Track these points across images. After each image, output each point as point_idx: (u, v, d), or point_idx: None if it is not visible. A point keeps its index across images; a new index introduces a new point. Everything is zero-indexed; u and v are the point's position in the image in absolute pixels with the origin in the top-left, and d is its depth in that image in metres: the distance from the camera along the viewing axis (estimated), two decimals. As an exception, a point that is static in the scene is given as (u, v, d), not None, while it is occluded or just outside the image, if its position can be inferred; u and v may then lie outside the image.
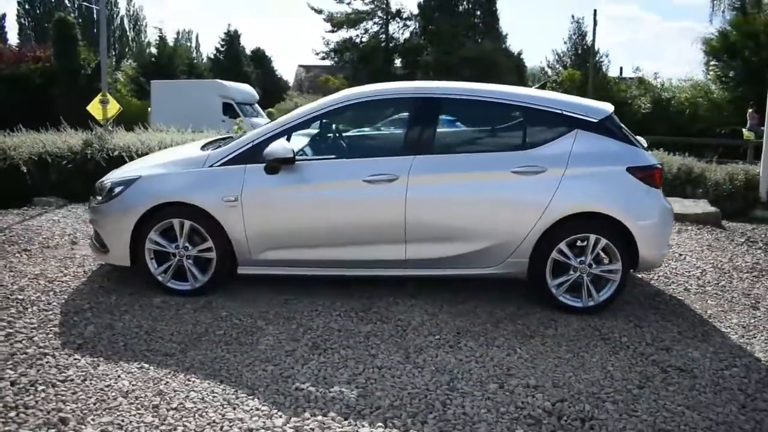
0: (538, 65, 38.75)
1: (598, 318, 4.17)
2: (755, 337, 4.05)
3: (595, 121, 4.19)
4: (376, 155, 4.18)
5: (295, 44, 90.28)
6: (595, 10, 28.55)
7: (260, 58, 38.48)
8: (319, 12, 35.43)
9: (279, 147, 3.98)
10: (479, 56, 30.74)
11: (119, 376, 3.13)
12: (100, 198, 4.34)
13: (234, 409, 2.88)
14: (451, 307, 4.23)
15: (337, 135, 4.45)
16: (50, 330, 3.65)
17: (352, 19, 34.70)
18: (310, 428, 2.76)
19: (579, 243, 4.14)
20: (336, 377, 3.23)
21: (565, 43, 32.79)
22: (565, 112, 4.20)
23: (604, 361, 3.58)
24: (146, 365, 3.29)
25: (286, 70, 79.51)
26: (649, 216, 4.15)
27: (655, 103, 26.66)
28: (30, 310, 3.93)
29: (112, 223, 4.25)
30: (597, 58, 30.00)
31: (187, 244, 4.17)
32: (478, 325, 3.98)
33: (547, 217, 4.05)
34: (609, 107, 4.32)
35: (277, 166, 4.04)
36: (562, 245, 4.10)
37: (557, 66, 32.58)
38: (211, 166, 4.18)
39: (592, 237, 4.08)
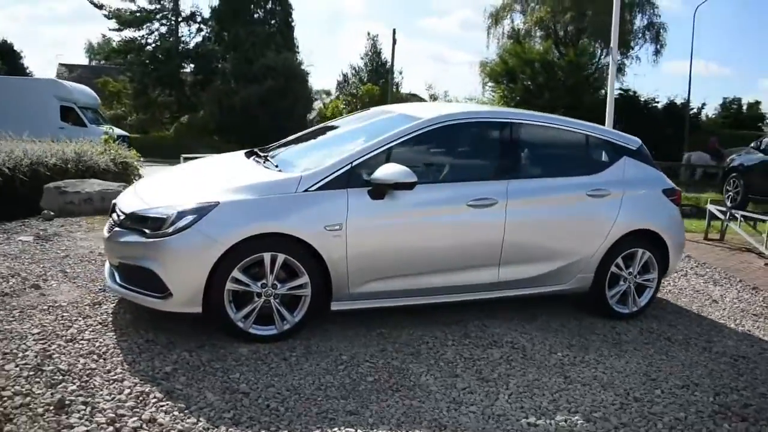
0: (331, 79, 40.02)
1: (639, 321, 4.70)
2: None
3: (635, 149, 4.72)
4: (472, 179, 4.09)
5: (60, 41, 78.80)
6: (394, 30, 30.30)
7: (7, 53, 33.18)
8: (100, 7, 31.61)
9: (397, 170, 3.66)
10: (282, 66, 30.64)
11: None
12: (150, 231, 3.47)
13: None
14: (530, 325, 4.35)
15: (432, 157, 4.22)
16: (178, 417, 2.82)
17: (138, 18, 31.63)
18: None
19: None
20: (545, 400, 3.20)
21: (361, 58, 34.42)
22: (615, 141, 4.67)
23: (686, 355, 4.09)
24: (350, 429, 2.79)
25: (44, 68, 69.28)
26: (677, 231, 4.81)
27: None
28: (106, 396, 3.00)
29: (182, 260, 3.42)
30: (394, 76, 32.16)
31: (275, 282, 3.59)
32: (574, 340, 4.17)
33: (612, 236, 4.42)
34: (637, 138, 4.89)
35: (385, 190, 3.72)
36: (619, 259, 4.52)
37: (353, 80, 33.96)
38: (306, 190, 3.65)
39: (640, 251, 4.59)
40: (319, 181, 3.67)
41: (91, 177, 7.58)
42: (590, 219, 4.40)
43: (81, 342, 3.42)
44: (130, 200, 3.83)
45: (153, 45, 31.22)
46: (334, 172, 3.70)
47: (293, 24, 35.53)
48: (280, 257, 3.54)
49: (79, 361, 3.19)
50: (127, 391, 2.95)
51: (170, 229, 3.41)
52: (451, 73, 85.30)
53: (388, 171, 3.65)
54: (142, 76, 30.39)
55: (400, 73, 32.63)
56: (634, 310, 4.68)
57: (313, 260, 3.61)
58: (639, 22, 31.67)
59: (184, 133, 28.39)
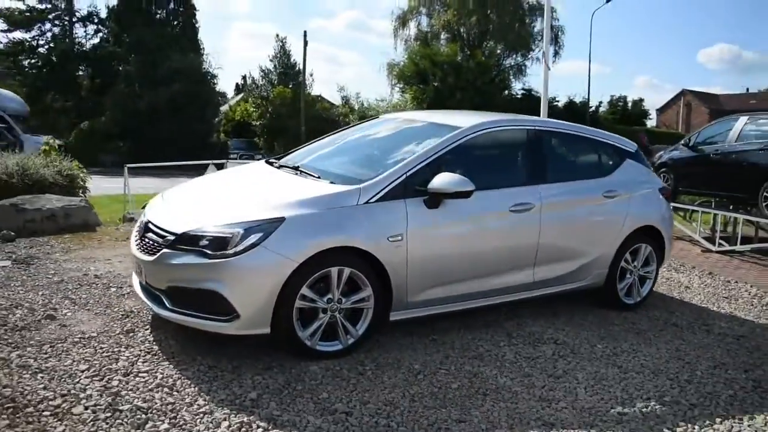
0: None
1: (643, 311, 5.06)
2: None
3: (633, 151, 5.07)
4: (511, 185, 4.19)
5: None
6: (305, 32, 29.87)
7: None
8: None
9: (455, 179, 3.68)
10: (189, 69, 29.39)
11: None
12: (213, 251, 3.26)
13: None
14: (558, 321, 4.54)
15: (474, 165, 4.24)
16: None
17: (28, 19, 29.08)
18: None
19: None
20: (617, 390, 3.34)
21: (271, 60, 33.65)
22: (618, 145, 4.99)
23: (698, 339, 4.47)
24: None
25: None
26: (670, 225, 5.22)
27: (362, 120, 29.84)
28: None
29: (252, 280, 3.25)
30: (306, 78, 31.76)
31: (339, 296, 3.51)
32: (602, 332, 4.41)
33: (623, 233, 4.73)
34: (633, 142, 5.24)
35: (441, 199, 3.75)
36: (627, 255, 4.84)
37: (263, 82, 33.18)
38: (367, 202, 3.60)
39: (643, 246, 4.94)
40: (378, 193, 3.63)
41: (38, 191, 6.95)
42: (607, 218, 4.68)
43: (141, 375, 3.17)
44: (172, 218, 3.58)
45: (46, 47, 28.86)
46: (391, 183, 3.68)
47: (198, 25, 34.22)
48: (346, 271, 3.47)
49: (154, 396, 2.96)
50: (225, 423, 2.78)
51: (237, 248, 3.23)
52: (344, 74, 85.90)
53: (446, 180, 3.68)
54: (35, 80, 28.01)
55: (311, 75, 32.31)
56: (638, 300, 5.03)
57: (377, 272, 3.58)
58: (539, 25, 33.52)
59: (86, 140, 26.49)
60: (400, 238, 3.60)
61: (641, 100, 48.44)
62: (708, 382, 3.67)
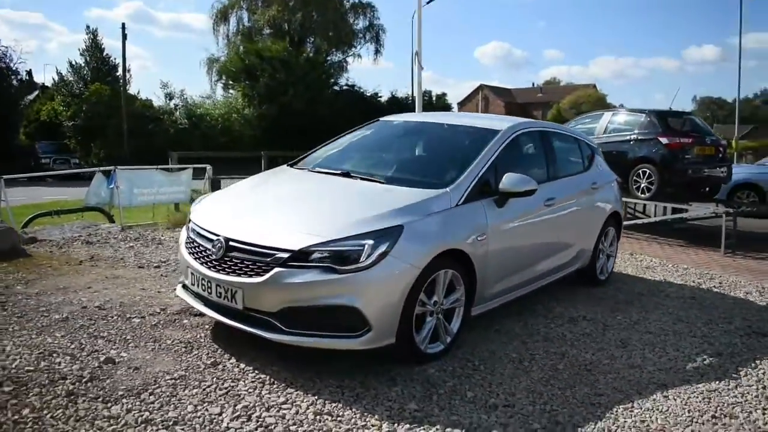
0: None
1: (623, 285, 5.83)
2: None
3: (596, 147, 5.78)
4: (539, 182, 4.51)
5: None
6: (123, 24, 26.91)
7: None
8: None
9: (523, 179, 3.89)
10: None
11: None
12: (342, 265, 3.09)
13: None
14: (567, 301, 5.04)
15: (515, 164, 4.40)
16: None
17: None
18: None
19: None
20: (669, 349, 3.87)
21: (81, 54, 29.70)
22: (589, 142, 5.66)
23: (671, 302, 5.32)
24: (629, 403, 3.09)
25: None
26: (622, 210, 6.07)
27: (189, 119, 28.19)
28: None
29: (383, 291, 3.13)
30: (125, 74, 28.78)
31: (437, 298, 3.55)
32: (606, 305, 5.01)
33: (603, 219, 5.42)
34: None
35: (508, 198, 3.95)
36: (602, 237, 5.54)
37: (74, 78, 29.32)
38: (457, 204, 3.66)
39: (611, 229, 5.69)
40: (463, 195, 3.72)
41: None
42: (595, 208, 5.31)
43: (284, 407, 2.90)
44: (265, 233, 3.28)
45: None
46: (469, 186, 3.79)
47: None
48: (449, 273, 3.53)
49: (324, 426, 2.77)
50: (419, 438, 2.73)
51: (369, 260, 3.12)
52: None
53: (514, 180, 3.90)
54: None
55: (129, 70, 29.37)
56: (607, 276, 5.78)
57: (468, 270, 3.69)
58: (361, 23, 34.73)
59: None
60: (484, 236, 3.75)
61: (444, 94, 52.46)
62: (716, 335, 4.42)
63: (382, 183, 3.86)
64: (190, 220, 3.79)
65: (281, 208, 3.66)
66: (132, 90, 30.23)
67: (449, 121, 4.86)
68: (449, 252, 3.49)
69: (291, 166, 4.56)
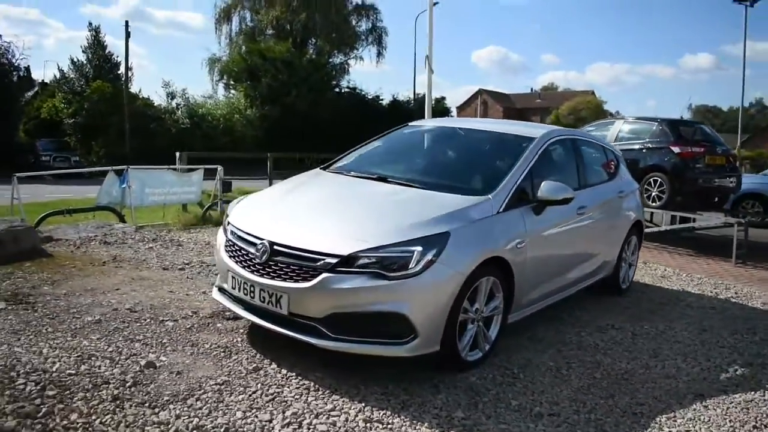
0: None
1: (640, 294, 5.85)
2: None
3: (620, 155, 5.80)
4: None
5: None
6: (126, 22, 26.61)
7: None
8: None
9: (560, 187, 3.90)
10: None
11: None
12: (391, 272, 3.08)
13: None
14: (594, 310, 5.06)
15: (549, 172, 4.40)
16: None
17: None
18: None
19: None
20: (701, 359, 3.89)
21: (84, 51, 29.49)
22: (615, 151, 5.68)
23: (693, 312, 5.34)
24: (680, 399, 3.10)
25: None
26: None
27: (191, 118, 28.10)
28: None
29: (430, 298, 3.13)
30: (127, 71, 28.64)
31: (478, 306, 3.54)
32: (631, 314, 5.03)
33: (627, 227, 5.44)
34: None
35: (546, 206, 3.96)
36: (626, 246, 5.55)
37: (75, 76, 29.14)
38: (498, 211, 3.67)
39: (633, 237, 5.70)
40: (503, 202, 3.73)
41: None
42: (621, 216, 5.34)
43: (332, 414, 2.88)
44: (310, 238, 3.27)
45: None
46: (509, 193, 3.79)
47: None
48: (490, 280, 3.53)
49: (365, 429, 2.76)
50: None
51: (418, 267, 3.12)
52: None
53: (553, 188, 3.90)
54: None
55: (130, 68, 29.25)
56: (628, 285, 5.79)
57: (507, 277, 3.69)
58: (364, 25, 34.74)
59: None
60: (523, 244, 3.75)
61: (443, 98, 52.31)
62: (743, 346, 4.43)
63: (422, 189, 3.86)
64: (229, 223, 3.77)
65: (324, 212, 3.65)
66: (133, 89, 30.15)
67: (481, 127, 4.87)
68: (491, 259, 3.49)
69: (324, 169, 4.55)
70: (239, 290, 3.44)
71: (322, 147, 24.65)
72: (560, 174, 4.44)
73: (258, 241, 3.39)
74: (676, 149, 9.11)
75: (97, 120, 25.91)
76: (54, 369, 3.07)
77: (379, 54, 37.04)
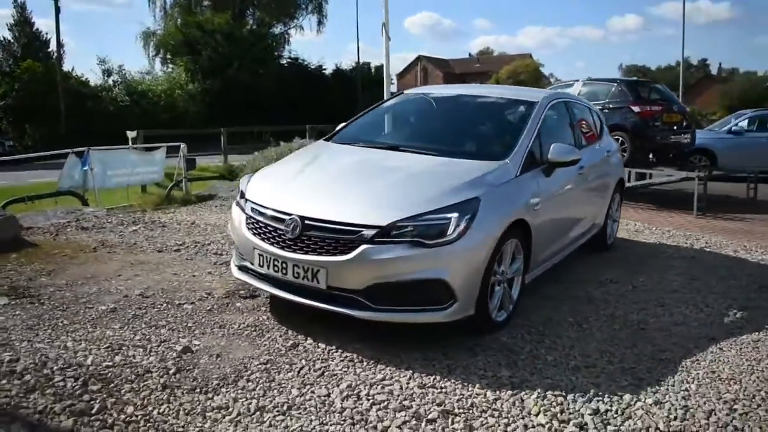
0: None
1: (625, 249, 6.10)
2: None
3: (602, 116, 5.96)
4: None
5: None
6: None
7: None
8: None
9: (569, 149, 4.00)
10: None
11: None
12: (431, 239, 3.11)
13: None
14: (587, 265, 5.26)
15: (553, 134, 4.45)
16: None
17: None
18: None
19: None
20: (711, 300, 4.12)
21: (10, 29, 27.30)
22: (597, 111, 5.82)
23: (678, 263, 5.63)
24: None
25: None
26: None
27: (130, 96, 26.85)
28: None
29: (468, 262, 3.18)
30: (59, 49, 26.83)
31: (504, 268, 3.62)
32: (629, 269, 5.25)
33: (614, 185, 5.64)
34: None
35: (555, 168, 4.04)
36: (612, 203, 5.76)
37: (2, 55, 27.07)
38: (516, 175, 3.72)
39: (617, 195, 5.92)
40: (519, 166, 3.79)
41: None
42: (609, 174, 5.52)
43: (386, 383, 2.92)
44: (343, 209, 3.23)
45: None
46: (523, 156, 3.86)
47: None
48: (513, 242, 3.61)
49: (449, 399, 2.80)
50: (531, 406, 2.80)
51: (456, 233, 3.15)
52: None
53: (562, 150, 3.99)
54: None
55: (62, 45, 27.38)
56: (612, 241, 6.04)
57: (527, 239, 3.77)
58: (302, -6, 33.78)
59: None
60: (539, 205, 3.84)
61: (383, 65, 51.61)
62: (733, 291, 4.71)
63: (439, 156, 3.86)
64: (247, 200, 3.67)
65: (349, 184, 3.61)
66: (66, 67, 28.39)
67: (479, 93, 4.90)
68: (514, 222, 3.56)
69: (328, 140, 4.48)
70: (269, 267, 3.38)
71: (267, 119, 24.19)
72: (561, 136, 4.54)
73: (287, 217, 3.32)
74: (636, 108, 9.45)
75: (30, 101, 24.32)
76: (88, 362, 2.95)
77: (320, 23, 36.33)
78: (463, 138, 4.31)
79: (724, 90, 41.63)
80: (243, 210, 3.67)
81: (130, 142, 11.98)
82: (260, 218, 3.49)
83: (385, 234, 3.11)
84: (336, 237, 3.17)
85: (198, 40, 27.60)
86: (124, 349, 3.13)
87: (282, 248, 3.31)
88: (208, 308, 3.78)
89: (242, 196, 3.81)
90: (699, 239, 6.78)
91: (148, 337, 3.31)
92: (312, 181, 3.72)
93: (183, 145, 10.10)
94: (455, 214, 3.17)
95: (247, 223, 3.58)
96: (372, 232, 3.11)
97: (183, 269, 4.58)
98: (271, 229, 3.40)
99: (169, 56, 29.54)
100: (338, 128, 4.70)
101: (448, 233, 3.14)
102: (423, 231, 3.13)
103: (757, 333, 3.80)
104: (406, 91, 5.18)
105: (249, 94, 28.30)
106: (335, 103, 31.00)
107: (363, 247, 3.10)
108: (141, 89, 26.77)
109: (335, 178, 3.75)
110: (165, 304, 3.81)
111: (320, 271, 3.18)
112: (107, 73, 27.40)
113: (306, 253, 3.22)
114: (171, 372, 2.91)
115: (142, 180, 9.58)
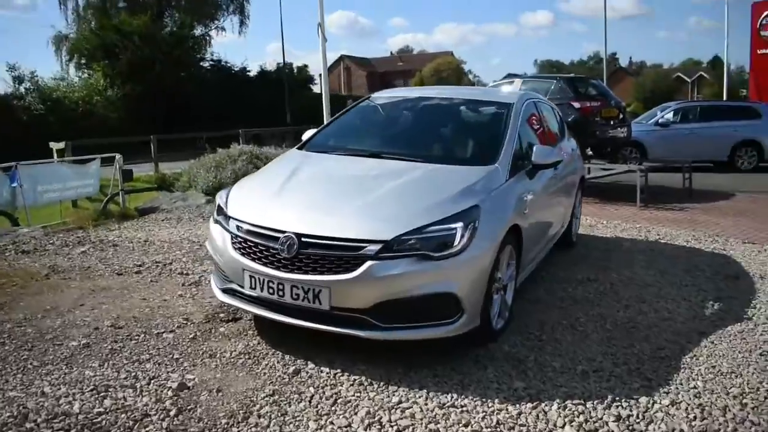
0: None
1: (587, 244, 6.22)
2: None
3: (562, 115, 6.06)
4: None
5: None
6: None
7: None
8: None
9: (551, 152, 4.00)
10: None
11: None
12: (437, 252, 2.99)
13: None
14: (563, 263, 5.31)
15: (529, 134, 4.41)
16: None
17: None
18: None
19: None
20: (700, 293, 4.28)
21: None
22: (558, 110, 5.88)
23: (642, 257, 5.81)
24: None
25: None
26: None
27: (44, 103, 25.05)
28: None
29: (473, 273, 3.08)
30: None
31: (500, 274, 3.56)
32: (598, 265, 5.35)
33: (578, 183, 5.74)
34: None
35: (538, 170, 4.03)
36: (576, 200, 5.87)
37: None
38: (506, 180, 3.66)
39: (579, 192, 6.03)
40: (507, 170, 3.75)
41: None
42: (574, 172, 5.60)
43: (396, 408, 2.79)
44: (342, 224, 3.06)
45: None
46: (509, 160, 3.81)
47: None
48: (509, 248, 3.56)
49: (445, 416, 2.70)
50: (557, 418, 2.75)
51: (461, 244, 3.04)
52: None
53: (544, 152, 4.01)
54: None
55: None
56: (575, 237, 6.16)
57: (515, 244, 3.73)
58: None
59: None
60: (527, 209, 3.82)
61: (306, 66, 50.03)
62: (702, 283, 4.87)
63: (427, 163, 3.77)
64: (229, 217, 3.42)
65: (341, 196, 3.43)
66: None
67: (448, 95, 4.82)
68: (510, 227, 3.51)
69: (301, 149, 4.27)
70: (262, 289, 3.16)
71: (192, 125, 23.32)
72: (536, 137, 4.55)
73: (281, 235, 3.11)
74: (576, 105, 9.71)
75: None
76: (75, 410, 2.65)
77: (242, 23, 35.32)
78: (446, 143, 4.23)
79: (638, 82, 43.96)
80: (226, 228, 3.42)
81: (55, 155, 11.14)
82: (249, 237, 3.26)
83: (390, 249, 2.97)
84: (337, 254, 3.00)
85: (116, 43, 26.13)
86: (112, 391, 2.84)
87: (277, 268, 3.10)
88: (191, 336, 3.51)
89: (220, 212, 3.55)
90: (650, 231, 7.02)
91: (134, 374, 3.02)
92: (301, 195, 3.52)
93: (118, 156, 9.48)
94: (460, 224, 3.07)
95: (233, 243, 3.33)
96: (376, 247, 2.96)
97: (151, 293, 4.25)
98: (262, 248, 3.18)
99: (84, 61, 27.79)
100: (309, 136, 4.50)
101: (455, 244, 3.03)
102: (429, 243, 3.01)
103: (739, 324, 3.94)
104: (372, 95, 5.04)
105: (171, 99, 27.19)
106: (263, 105, 30.32)
107: (368, 263, 2.95)
108: (56, 96, 25.02)
109: (325, 190, 3.56)
110: (142, 335, 3.50)
111: (322, 291, 3.00)
112: (18, 80, 25.43)
113: (305, 272, 3.03)
114: (172, 414, 2.66)
115: (76, 194, 8.92)
